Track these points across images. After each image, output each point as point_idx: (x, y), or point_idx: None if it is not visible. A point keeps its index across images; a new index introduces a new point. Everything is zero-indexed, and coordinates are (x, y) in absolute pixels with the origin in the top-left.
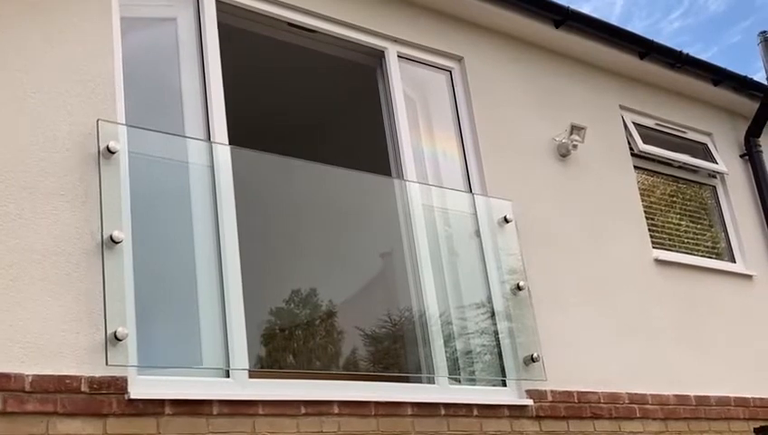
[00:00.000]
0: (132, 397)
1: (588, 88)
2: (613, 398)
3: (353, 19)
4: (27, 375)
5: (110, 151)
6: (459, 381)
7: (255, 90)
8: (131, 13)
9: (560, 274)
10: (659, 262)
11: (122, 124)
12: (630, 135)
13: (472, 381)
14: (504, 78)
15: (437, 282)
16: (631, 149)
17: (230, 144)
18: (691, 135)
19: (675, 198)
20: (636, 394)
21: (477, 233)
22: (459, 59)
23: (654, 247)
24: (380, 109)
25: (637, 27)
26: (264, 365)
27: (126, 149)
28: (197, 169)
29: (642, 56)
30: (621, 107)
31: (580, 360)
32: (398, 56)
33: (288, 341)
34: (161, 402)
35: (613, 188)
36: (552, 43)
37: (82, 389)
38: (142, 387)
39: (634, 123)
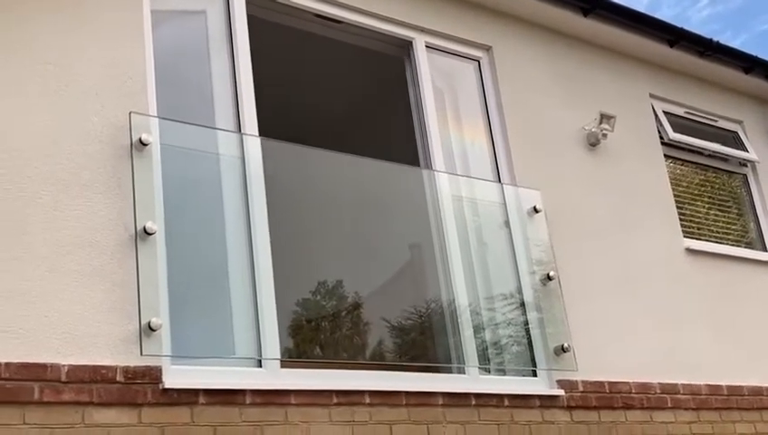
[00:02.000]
0: (166, 386)
1: (617, 77)
2: (644, 388)
3: (380, 10)
4: (63, 365)
5: (142, 144)
6: (489, 372)
7: (283, 81)
8: (162, 5)
9: (590, 263)
10: (690, 251)
11: (154, 117)
12: (660, 124)
13: (502, 372)
14: (532, 67)
15: (467, 272)
16: (661, 137)
17: (260, 135)
18: (721, 123)
19: (705, 187)
20: (667, 384)
21: (506, 223)
22: (487, 48)
23: (685, 237)
24: (408, 99)
25: (665, 15)
26: (292, 356)
27: (158, 142)
28: (228, 160)
29: (672, 44)
30: (651, 95)
31: (611, 350)
32: (426, 46)
33: (315, 332)
34: (195, 392)
35: (643, 177)
36: (580, 32)
37: (117, 379)
38: (176, 377)
39: (664, 112)
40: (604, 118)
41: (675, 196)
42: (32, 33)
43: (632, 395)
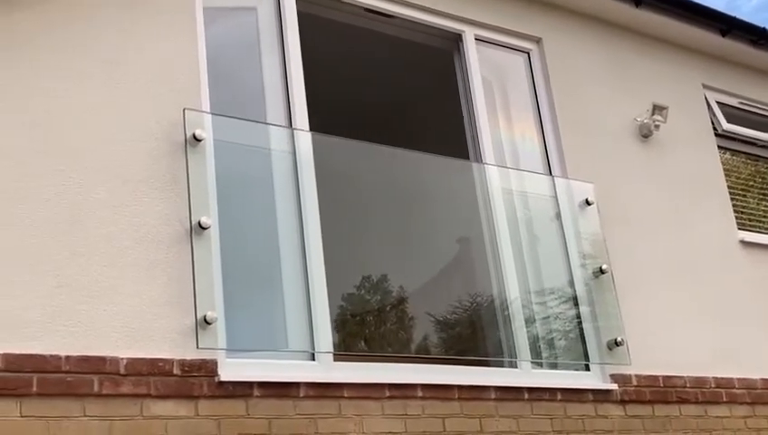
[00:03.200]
0: (222, 379)
1: (669, 67)
2: (699, 382)
3: (430, 3)
4: (121, 358)
5: (196, 139)
6: (542, 366)
7: (333, 76)
8: (213, 3)
9: (642, 256)
10: (745, 243)
11: (207, 113)
12: (713, 114)
13: (554, 366)
14: (583, 58)
15: (517, 266)
16: (715, 128)
17: (310, 130)
18: None
19: (760, 178)
20: (722, 378)
21: (558, 216)
22: (537, 40)
23: (739, 229)
24: (458, 92)
25: (716, 4)
26: (343, 350)
27: (211, 137)
28: (279, 155)
29: (724, 33)
30: (704, 86)
31: (665, 344)
32: (476, 39)
33: (366, 326)
34: (250, 385)
35: (696, 168)
36: (631, 22)
37: (174, 371)
38: (231, 370)
39: (717, 102)
40: (657, 109)
41: (729, 187)
42: (89, 32)
43: (687, 389)
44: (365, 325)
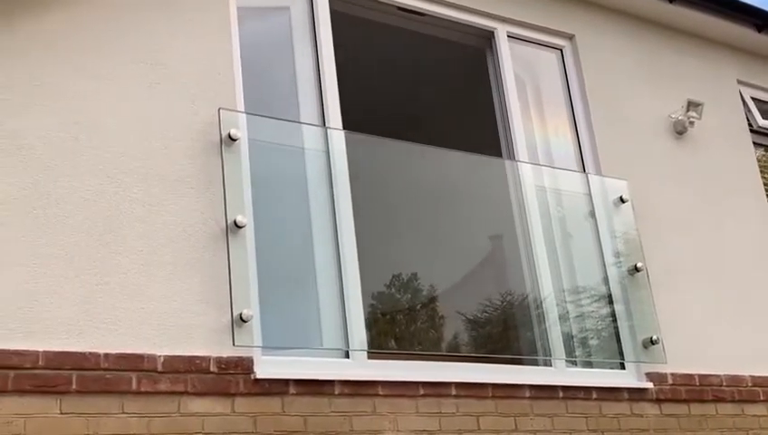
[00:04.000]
0: (258, 377)
1: (704, 63)
2: (736, 381)
3: (463, 1)
4: (159, 356)
5: (231, 139)
6: (576, 364)
7: (365, 74)
8: (247, 2)
9: (678, 254)
10: None
11: (242, 112)
12: (749, 110)
13: (589, 364)
14: (616, 55)
15: (551, 264)
16: (750, 124)
17: (343, 129)
18: None
19: None
20: (759, 377)
21: (592, 214)
22: (570, 37)
23: None
24: (490, 90)
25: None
26: (378, 347)
27: (246, 137)
28: (313, 153)
29: (760, 29)
30: (739, 82)
31: (701, 342)
32: (508, 36)
33: (397, 325)
34: (285, 382)
35: (732, 165)
36: (665, 18)
37: (211, 369)
38: (267, 367)
39: (752, 98)
40: (691, 105)
41: (764, 184)
42: (125, 32)
43: (723, 388)
44: (395, 324)
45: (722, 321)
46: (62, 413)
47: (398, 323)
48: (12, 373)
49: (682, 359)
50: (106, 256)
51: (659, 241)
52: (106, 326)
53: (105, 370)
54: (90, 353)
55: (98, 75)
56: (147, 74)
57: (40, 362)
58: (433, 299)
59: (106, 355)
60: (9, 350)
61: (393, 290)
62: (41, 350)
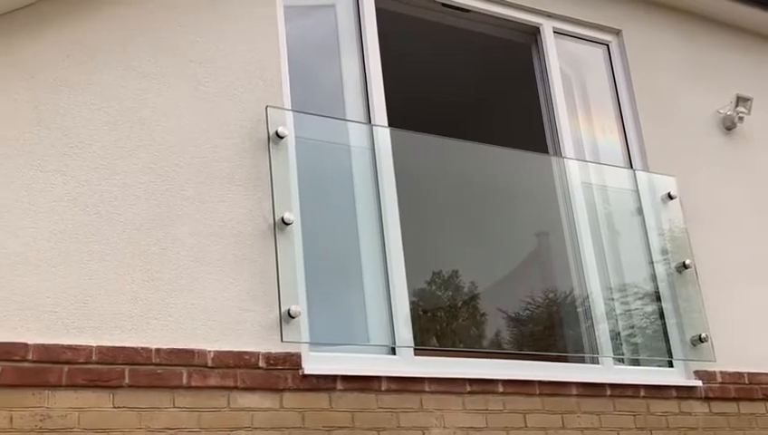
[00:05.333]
0: (306, 372)
1: (753, 58)
2: None
3: None
4: (209, 351)
5: (278, 136)
6: (624, 362)
7: (411, 71)
8: (294, 1)
9: (727, 251)
10: None
11: (289, 110)
12: None
13: (636, 362)
14: (664, 50)
15: (598, 261)
16: None
17: (389, 126)
18: None
19: None
20: None
21: (639, 210)
22: (617, 32)
23: None
24: (535, 86)
25: None
26: (424, 344)
27: (293, 134)
28: (359, 151)
29: None
30: None
31: (750, 340)
32: (554, 32)
33: (433, 321)
34: (333, 378)
35: None
36: (713, 12)
37: (260, 364)
38: (315, 363)
39: None
40: (740, 100)
41: None
42: (174, 32)
43: None
44: (437, 321)
45: None
46: (114, 407)
47: (443, 320)
48: (66, 368)
49: (731, 357)
50: (157, 253)
51: (708, 238)
52: (157, 322)
53: (156, 364)
54: (141, 348)
55: (147, 74)
56: (195, 73)
57: (93, 357)
58: (474, 296)
59: (157, 350)
60: (63, 345)
61: (434, 287)
62: (94, 345)
